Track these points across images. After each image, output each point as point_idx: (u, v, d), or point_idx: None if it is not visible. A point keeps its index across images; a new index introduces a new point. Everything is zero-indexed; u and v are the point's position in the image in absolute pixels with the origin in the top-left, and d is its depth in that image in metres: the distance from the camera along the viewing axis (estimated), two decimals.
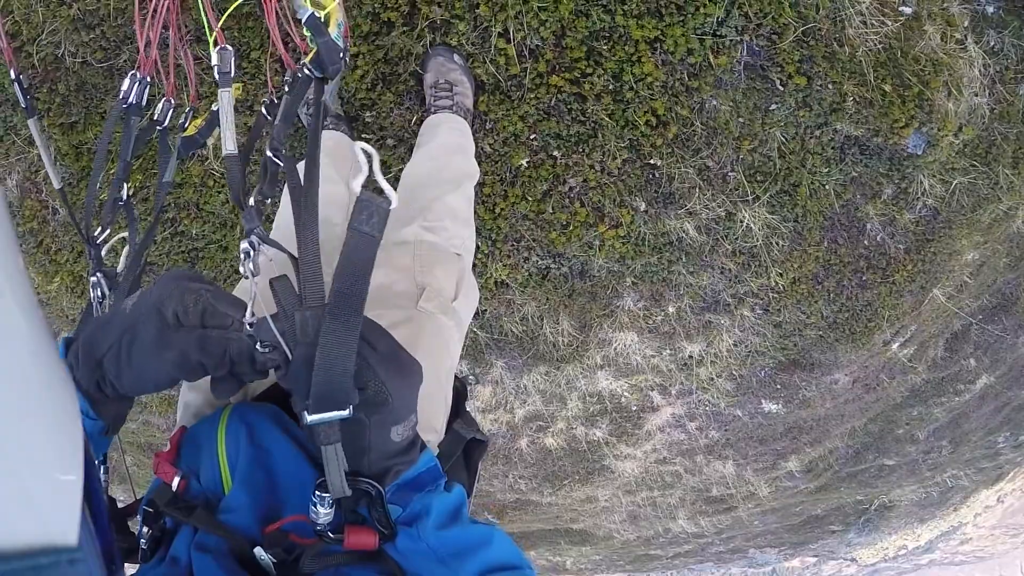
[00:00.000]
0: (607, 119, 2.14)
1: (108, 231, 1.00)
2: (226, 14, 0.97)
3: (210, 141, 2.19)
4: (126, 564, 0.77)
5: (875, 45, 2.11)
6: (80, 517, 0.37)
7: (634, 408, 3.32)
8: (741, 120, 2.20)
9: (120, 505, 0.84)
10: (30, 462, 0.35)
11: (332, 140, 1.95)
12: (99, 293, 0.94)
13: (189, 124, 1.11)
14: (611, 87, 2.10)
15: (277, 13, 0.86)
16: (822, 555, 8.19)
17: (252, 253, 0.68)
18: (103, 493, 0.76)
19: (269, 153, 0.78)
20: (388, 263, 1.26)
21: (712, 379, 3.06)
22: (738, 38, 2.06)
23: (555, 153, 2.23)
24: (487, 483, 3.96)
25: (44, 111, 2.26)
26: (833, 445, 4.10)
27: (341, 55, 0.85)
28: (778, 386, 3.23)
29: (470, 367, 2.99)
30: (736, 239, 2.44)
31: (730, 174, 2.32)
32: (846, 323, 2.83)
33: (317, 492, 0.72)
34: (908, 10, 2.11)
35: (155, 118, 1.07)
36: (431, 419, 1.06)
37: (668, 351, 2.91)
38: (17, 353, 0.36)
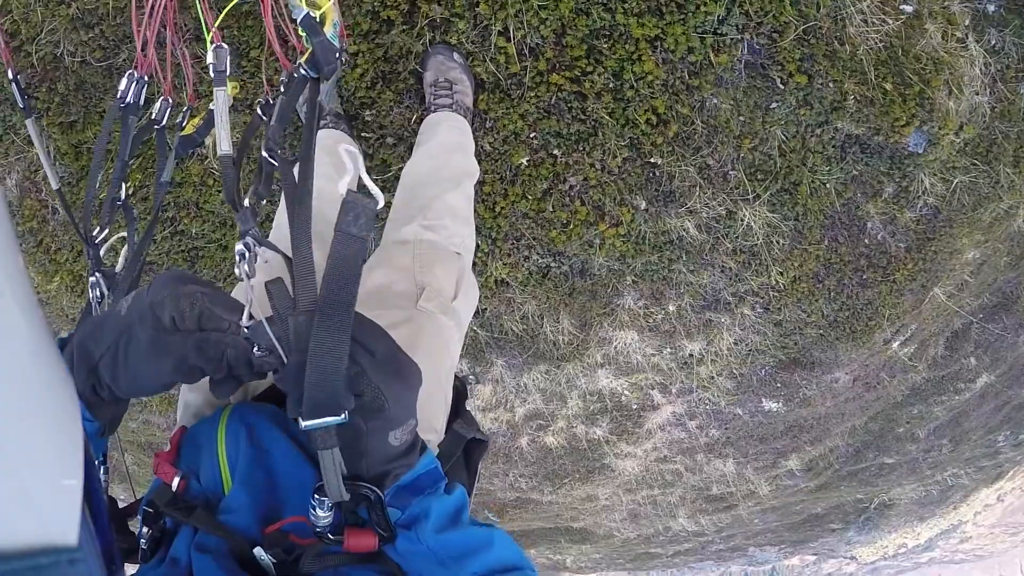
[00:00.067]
0: (607, 117, 2.14)
1: (107, 231, 1.00)
2: (224, 12, 0.97)
3: (208, 140, 2.19)
4: (126, 564, 0.77)
5: (876, 43, 2.10)
6: (80, 517, 0.37)
7: (634, 406, 3.32)
8: (742, 118, 2.20)
9: (120, 505, 0.84)
10: (30, 462, 0.35)
11: (332, 139, 1.94)
12: (98, 293, 0.93)
13: (187, 123, 1.11)
14: (611, 85, 2.09)
15: (274, 12, 0.86)
16: (822, 553, 8.20)
17: (247, 255, 0.67)
18: (103, 493, 0.75)
19: (264, 153, 0.78)
20: (388, 263, 1.26)
21: (712, 377, 3.06)
22: (739, 36, 2.06)
23: (555, 151, 2.23)
24: (487, 481, 3.97)
25: (43, 110, 2.25)
26: (833, 444, 4.10)
27: (337, 55, 0.84)
28: (778, 384, 3.23)
29: (470, 366, 2.99)
30: (737, 237, 2.44)
31: (731, 172, 2.32)
32: (847, 322, 2.83)
33: (316, 495, 0.71)
34: (909, 8, 2.11)
35: (153, 117, 1.06)
36: (431, 419, 1.06)
37: (668, 349, 2.91)
38: (17, 353, 0.36)
